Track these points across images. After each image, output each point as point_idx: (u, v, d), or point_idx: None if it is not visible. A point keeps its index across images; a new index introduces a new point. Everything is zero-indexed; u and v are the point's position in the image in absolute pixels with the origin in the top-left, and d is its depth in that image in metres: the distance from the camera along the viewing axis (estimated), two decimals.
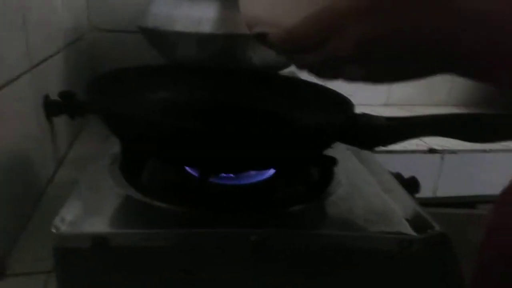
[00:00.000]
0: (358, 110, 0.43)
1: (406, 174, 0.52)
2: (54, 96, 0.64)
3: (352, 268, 0.38)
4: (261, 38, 0.34)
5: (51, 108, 0.62)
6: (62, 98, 0.63)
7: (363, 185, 0.45)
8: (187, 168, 0.45)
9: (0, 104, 0.46)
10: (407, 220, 0.39)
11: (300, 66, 0.33)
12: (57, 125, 0.68)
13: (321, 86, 0.51)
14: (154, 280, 0.36)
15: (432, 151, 0.91)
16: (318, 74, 0.33)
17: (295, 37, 0.30)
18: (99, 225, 0.35)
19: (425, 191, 0.95)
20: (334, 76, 0.32)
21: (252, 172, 0.45)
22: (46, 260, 0.46)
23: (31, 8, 0.57)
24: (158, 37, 0.75)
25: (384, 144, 0.41)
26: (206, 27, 0.68)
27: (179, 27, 0.70)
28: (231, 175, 0.45)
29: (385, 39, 0.27)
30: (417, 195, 0.50)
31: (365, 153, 0.55)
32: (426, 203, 0.45)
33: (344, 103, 0.43)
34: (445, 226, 0.40)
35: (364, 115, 0.41)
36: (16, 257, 0.48)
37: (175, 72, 0.52)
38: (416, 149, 0.90)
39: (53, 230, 0.34)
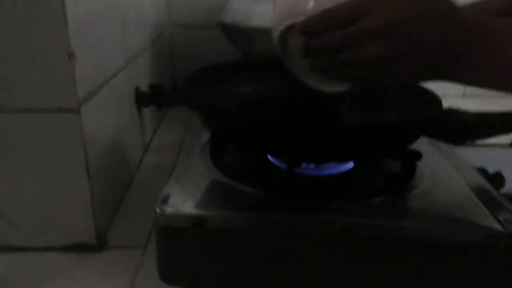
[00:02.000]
0: None
1: (489, 168, 0.51)
2: (143, 89, 0.69)
3: (436, 261, 0.39)
4: (288, 30, 0.37)
5: (142, 99, 0.68)
6: (152, 90, 0.68)
7: (447, 179, 0.45)
8: (271, 158, 0.48)
9: (106, 98, 0.51)
10: (493, 214, 0.39)
11: (316, 56, 0.35)
12: (144, 115, 0.73)
13: None
14: (244, 260, 0.39)
15: None
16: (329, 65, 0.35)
17: (331, 15, 0.33)
18: (198, 207, 0.38)
19: (509, 186, 0.90)
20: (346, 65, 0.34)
21: (333, 164, 0.47)
22: (140, 235, 0.51)
23: (129, 7, 0.62)
24: (236, 33, 0.78)
25: (473, 139, 0.40)
26: None
27: (258, 22, 0.72)
28: (312, 165, 0.47)
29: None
30: (502, 190, 0.49)
31: (447, 147, 0.54)
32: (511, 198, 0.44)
33: (432, 98, 0.43)
34: None
35: (452, 110, 0.41)
36: (115, 232, 0.53)
37: (262, 68, 0.54)
38: (498, 143, 0.86)
39: (158, 210, 0.38)
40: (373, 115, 0.44)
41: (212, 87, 0.47)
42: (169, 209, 0.38)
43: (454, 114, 0.40)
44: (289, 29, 0.38)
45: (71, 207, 0.47)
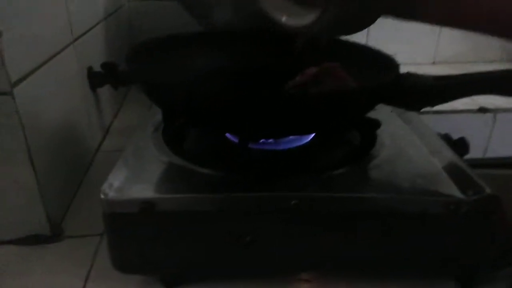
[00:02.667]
0: (404, 69, 0.41)
1: (456, 135, 0.50)
2: (97, 68, 0.65)
3: (397, 232, 0.37)
4: None
5: (95, 79, 0.64)
6: (105, 69, 0.64)
7: (409, 147, 0.44)
8: (227, 134, 0.46)
9: (47, 78, 0.48)
10: (455, 182, 0.38)
11: None
12: (101, 96, 0.69)
13: (364, 46, 0.49)
14: (199, 243, 0.37)
15: (483, 110, 0.86)
16: None
17: None
18: (145, 191, 0.36)
19: (476, 152, 0.91)
20: None
21: (291, 138, 0.45)
22: (97, 223, 0.49)
23: None
24: (193, 2, 0.74)
25: (432, 105, 0.39)
26: None
27: None
28: (271, 140, 0.45)
29: None
30: (467, 156, 0.48)
31: (411, 114, 0.53)
32: (476, 164, 0.43)
33: (388, 63, 0.41)
34: (496, 188, 0.38)
35: (410, 75, 0.39)
36: (71, 221, 0.50)
37: (211, 39, 0.51)
38: (466, 109, 0.86)
39: (102, 196, 0.35)
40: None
41: (157, 61, 0.44)
42: (114, 195, 0.35)
43: (412, 78, 0.38)
44: None
45: (17, 197, 0.44)
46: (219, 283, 0.41)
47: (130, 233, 0.37)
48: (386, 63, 0.42)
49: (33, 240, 0.47)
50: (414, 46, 1.05)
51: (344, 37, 0.51)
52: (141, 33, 0.97)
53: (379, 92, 0.37)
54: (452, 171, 0.40)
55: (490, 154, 0.90)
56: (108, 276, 0.41)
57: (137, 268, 0.39)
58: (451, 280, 0.41)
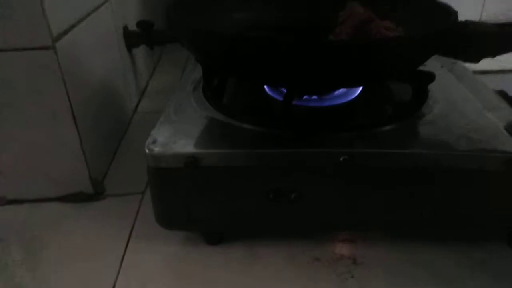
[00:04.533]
0: None
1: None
2: (132, 27, 0.64)
3: (451, 190, 0.36)
4: None
5: (131, 38, 0.63)
6: (141, 28, 0.63)
7: (463, 102, 0.41)
8: (268, 91, 0.44)
9: (86, 35, 0.47)
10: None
11: None
12: (137, 56, 0.69)
13: None
14: (244, 199, 0.37)
15: None
16: None
17: None
18: (190, 146, 0.35)
19: None
20: None
21: (336, 94, 0.43)
22: (138, 182, 0.49)
23: None
24: None
25: (493, 55, 0.36)
26: None
27: None
28: (315, 97, 0.43)
29: None
30: None
31: (462, 70, 0.50)
32: None
33: (444, 11, 0.38)
34: None
35: (469, 23, 0.36)
36: (112, 179, 0.51)
37: None
38: None
39: (147, 151, 0.35)
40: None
41: (199, 13, 0.42)
42: (159, 150, 0.35)
43: (471, 26, 0.35)
44: None
45: (60, 155, 0.45)
46: (261, 241, 0.40)
47: (174, 188, 0.36)
48: (443, 10, 0.38)
49: (77, 197, 0.47)
50: (460, 2, 0.99)
51: None
52: None
53: (435, 41, 0.35)
54: (510, 126, 0.37)
55: None
56: (151, 232, 0.41)
57: (180, 224, 0.39)
58: (504, 240, 0.40)
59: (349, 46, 0.33)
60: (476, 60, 0.37)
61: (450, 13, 0.37)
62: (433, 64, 0.48)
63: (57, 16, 0.39)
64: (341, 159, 0.34)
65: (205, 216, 0.38)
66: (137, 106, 0.68)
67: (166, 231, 0.40)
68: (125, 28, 0.63)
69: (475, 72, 0.78)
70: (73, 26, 0.43)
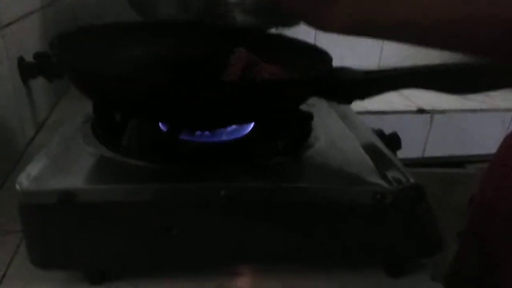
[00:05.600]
0: None
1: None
2: (30, 58, 0.62)
3: (328, 221, 0.38)
4: None
5: (26, 70, 0.61)
6: (38, 59, 0.61)
7: (341, 140, 0.44)
8: (161, 126, 0.44)
9: None
10: (382, 173, 0.39)
11: None
12: (34, 88, 0.66)
13: (300, 41, 0.50)
14: (125, 236, 0.36)
15: (421, 111, 0.90)
16: None
17: None
18: (66, 181, 0.34)
19: (414, 151, 0.95)
20: None
21: (229, 130, 0.44)
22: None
23: None
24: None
25: (362, 98, 0.40)
26: None
27: None
28: (206, 132, 0.44)
29: None
30: (406, 155, 0.50)
31: (347, 110, 0.54)
32: (414, 163, 0.44)
33: (321, 57, 0.42)
34: (433, 185, 0.39)
35: (341, 69, 0.40)
36: None
37: (149, 28, 0.50)
38: (405, 110, 0.89)
39: (17, 187, 0.33)
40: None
41: (88, 49, 0.42)
42: (30, 185, 0.33)
43: (342, 72, 0.39)
44: None
45: None
46: (146, 278, 0.39)
47: (49, 226, 0.35)
48: (320, 57, 0.42)
49: None
50: (360, 50, 1.08)
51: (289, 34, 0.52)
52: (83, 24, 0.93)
53: (310, 84, 0.38)
54: (380, 163, 0.41)
55: (428, 154, 0.93)
56: (28, 274, 0.38)
57: (58, 263, 0.37)
58: (380, 270, 0.42)
59: (232, 86, 0.35)
60: (347, 102, 0.40)
61: (325, 59, 0.40)
62: (321, 103, 0.51)
63: None
64: (221, 193, 0.35)
65: (84, 255, 0.36)
66: (32, 139, 0.65)
67: (42, 272, 0.37)
68: (20, 60, 0.60)
69: (369, 112, 0.84)
70: None
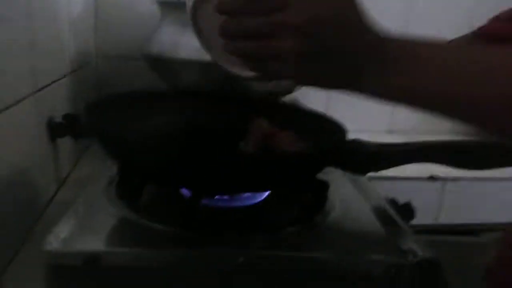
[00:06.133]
0: (360, 136, 0.44)
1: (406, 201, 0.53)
2: (59, 119, 0.66)
3: None
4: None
5: (55, 129, 0.64)
6: (66, 120, 0.65)
7: (356, 210, 0.45)
8: (183, 190, 0.46)
9: (4, 124, 0.47)
10: (397, 246, 0.39)
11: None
12: (60, 146, 0.69)
13: (316, 112, 0.52)
14: None
15: (432, 178, 0.90)
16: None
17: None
18: (92, 243, 0.36)
19: (427, 218, 0.94)
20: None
21: (246, 195, 0.46)
22: (40, 281, 0.47)
23: (38, 33, 0.59)
24: (161, 64, 0.77)
25: (375, 170, 0.41)
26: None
27: (183, 54, 0.72)
28: (226, 197, 0.45)
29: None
30: (418, 222, 0.50)
31: (361, 179, 0.55)
32: (427, 230, 0.45)
33: (336, 129, 0.44)
34: (445, 253, 0.40)
35: (354, 141, 0.42)
36: (11, 275, 0.48)
37: (173, 97, 0.53)
38: (417, 176, 0.90)
39: (45, 247, 0.35)
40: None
41: (115, 116, 0.45)
42: (58, 246, 0.35)
43: (357, 144, 0.41)
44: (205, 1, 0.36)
45: None
46: None
47: (73, 287, 0.35)
48: (335, 129, 0.44)
49: None
50: (370, 114, 1.11)
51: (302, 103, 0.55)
52: (108, 88, 0.98)
53: (325, 155, 0.40)
54: (395, 234, 0.42)
55: (441, 221, 0.93)
56: None
57: None
58: None
59: (250, 157, 0.37)
60: (362, 173, 0.42)
61: (340, 131, 0.42)
62: (336, 173, 0.53)
63: None
64: (239, 260, 0.36)
65: None
66: (54, 196, 0.67)
67: None
68: (50, 119, 0.64)
69: (381, 178, 0.85)
70: None
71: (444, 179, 0.92)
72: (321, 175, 0.47)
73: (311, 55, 0.32)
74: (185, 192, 0.46)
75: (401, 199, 0.53)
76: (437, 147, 0.41)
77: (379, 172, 0.42)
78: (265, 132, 0.44)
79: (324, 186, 0.44)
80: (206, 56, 0.70)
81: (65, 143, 0.71)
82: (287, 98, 0.79)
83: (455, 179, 0.92)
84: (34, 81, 0.57)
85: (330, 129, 0.45)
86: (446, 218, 0.93)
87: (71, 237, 0.36)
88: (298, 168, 0.40)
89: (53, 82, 0.66)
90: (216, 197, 0.45)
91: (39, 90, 0.59)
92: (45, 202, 0.63)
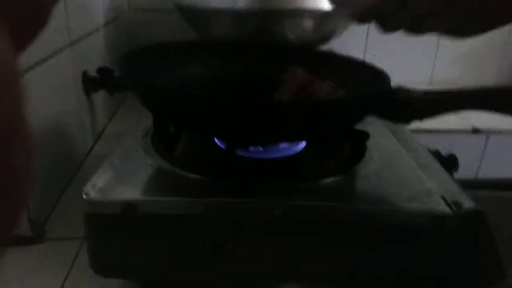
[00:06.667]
0: None
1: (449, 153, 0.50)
2: (93, 73, 0.66)
3: (382, 244, 0.37)
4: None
5: (90, 84, 0.64)
6: (101, 74, 0.65)
7: (397, 160, 0.43)
8: (216, 140, 0.45)
9: (40, 78, 0.48)
10: (441, 196, 0.38)
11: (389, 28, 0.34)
12: (96, 100, 0.70)
13: (356, 59, 0.49)
14: (181, 248, 0.37)
15: (476, 131, 0.86)
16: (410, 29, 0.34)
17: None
18: (128, 192, 0.36)
19: (468, 172, 0.91)
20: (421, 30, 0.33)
21: (282, 146, 0.45)
22: (80, 226, 0.48)
23: None
24: (193, 15, 0.75)
25: (420, 118, 0.39)
26: (241, 4, 0.67)
27: (215, 3, 0.69)
28: (260, 148, 0.44)
29: None
30: (459, 176, 0.48)
31: (403, 130, 0.53)
32: (468, 184, 0.43)
33: (379, 76, 0.41)
34: (487, 208, 0.38)
35: (400, 88, 0.39)
36: (54, 223, 0.50)
37: (207, 47, 0.52)
38: (460, 129, 0.86)
39: (84, 196, 0.35)
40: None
41: (149, 67, 0.44)
42: (96, 195, 0.35)
43: (401, 91, 0.38)
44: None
45: None
46: None
47: (111, 235, 0.36)
48: (378, 76, 0.42)
49: (13, 241, 0.46)
50: (411, 68, 1.06)
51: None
52: (140, 41, 0.97)
53: (368, 103, 0.37)
54: (439, 185, 0.40)
55: (482, 175, 0.89)
56: (87, 279, 0.40)
57: (117, 272, 0.38)
58: None
59: (288, 106, 0.35)
60: (406, 122, 0.39)
61: (383, 78, 0.40)
62: (376, 122, 0.51)
63: None
64: (276, 212, 0.35)
65: (141, 265, 0.37)
66: (91, 149, 0.68)
67: (102, 279, 0.39)
68: (85, 73, 0.64)
69: (423, 131, 0.82)
70: (27, 69, 0.44)
71: (487, 132, 0.88)
72: (360, 126, 0.45)
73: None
74: (219, 143, 0.45)
75: (443, 152, 0.50)
76: (488, 92, 0.38)
77: (423, 121, 0.39)
78: (302, 80, 0.42)
79: (363, 136, 0.42)
80: (237, 5, 0.68)
81: (100, 97, 0.71)
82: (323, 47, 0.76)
83: (498, 132, 0.88)
84: (69, 34, 0.57)
85: (372, 76, 0.42)
86: (487, 172, 0.89)
87: (108, 187, 0.36)
88: (337, 118, 0.38)
89: (87, 34, 0.66)
90: (251, 148, 0.44)
91: (74, 43, 0.59)
92: (83, 154, 0.65)
